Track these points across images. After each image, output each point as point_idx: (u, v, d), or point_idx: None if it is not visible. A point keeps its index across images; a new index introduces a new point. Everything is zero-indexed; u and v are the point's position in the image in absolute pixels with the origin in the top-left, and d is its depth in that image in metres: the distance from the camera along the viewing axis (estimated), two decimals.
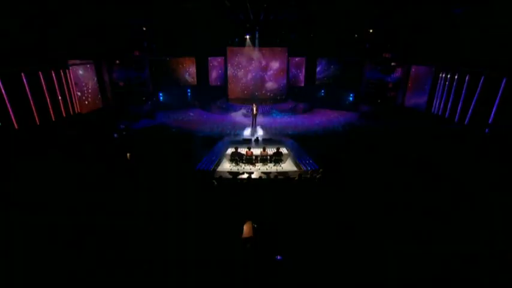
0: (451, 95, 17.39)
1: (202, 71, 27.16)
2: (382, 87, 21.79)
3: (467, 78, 16.27)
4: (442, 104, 18.20)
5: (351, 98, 25.14)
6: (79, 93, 18.62)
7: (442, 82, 18.18)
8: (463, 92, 16.49)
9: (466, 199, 7.17)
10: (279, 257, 4.95)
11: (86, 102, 19.25)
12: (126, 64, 21.09)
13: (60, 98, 16.56)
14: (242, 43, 26.18)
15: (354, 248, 5.32)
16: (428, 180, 9.04)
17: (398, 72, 21.28)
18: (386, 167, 11.28)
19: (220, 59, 27.45)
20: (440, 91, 18.35)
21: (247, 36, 25.70)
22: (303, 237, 5.76)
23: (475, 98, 15.71)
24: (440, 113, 18.35)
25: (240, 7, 19.55)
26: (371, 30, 21.07)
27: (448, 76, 17.63)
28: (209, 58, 27.34)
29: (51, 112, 16.01)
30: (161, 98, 25.23)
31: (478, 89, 15.49)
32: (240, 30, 24.98)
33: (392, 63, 20.92)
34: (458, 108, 16.82)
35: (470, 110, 16.04)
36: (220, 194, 8.92)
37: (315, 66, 26.85)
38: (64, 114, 16.91)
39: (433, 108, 19.07)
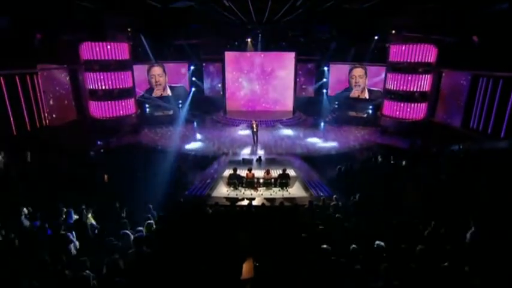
0: (494, 106, 17.14)
1: (197, 79, 27.43)
2: (407, 98, 21.76)
3: None
4: (483, 117, 17.97)
5: (370, 110, 25.07)
6: (51, 102, 18.65)
7: (482, 90, 18.04)
8: (510, 101, 16.26)
9: None
10: None
11: (54, 116, 19.02)
12: (107, 69, 21.22)
13: (24, 108, 16.55)
14: (243, 47, 26.45)
15: None
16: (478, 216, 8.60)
17: (426, 80, 21.26)
18: (422, 198, 10.95)
19: (217, 65, 27.67)
20: (480, 101, 18.15)
21: (249, 39, 25.97)
22: (314, 279, 5.52)
23: None
24: (481, 127, 18.09)
25: (241, 6, 19.81)
26: (393, 31, 21.22)
27: (490, 83, 17.49)
28: (204, 64, 27.60)
29: (13, 125, 15.91)
30: (147, 110, 25.29)
31: None
32: (240, 31, 25.25)
33: (419, 69, 20.93)
34: (505, 121, 16.51)
35: None
36: (215, 225, 8.72)
37: (327, 74, 27.05)
38: (29, 128, 16.82)
39: (471, 122, 18.86)
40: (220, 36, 25.33)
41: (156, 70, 25.62)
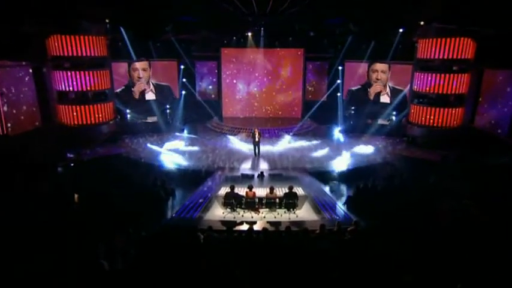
0: None
1: (188, 80, 27.44)
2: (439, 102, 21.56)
3: None
4: None
5: (393, 117, 24.95)
6: (6, 108, 18.48)
7: None
8: None
9: None
10: None
11: (10, 124, 18.81)
12: (80, 68, 21.13)
13: None
14: (242, 43, 26.62)
15: None
16: None
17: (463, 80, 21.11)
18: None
19: (211, 64, 27.73)
20: None
21: (249, 34, 26.07)
22: None
23: None
24: None
25: None
26: (422, 23, 21.15)
27: None
28: (196, 63, 27.63)
29: None
30: (127, 116, 25.21)
31: None
32: (239, 25, 25.29)
33: (454, 68, 20.79)
34: None
35: None
36: (207, 254, 8.59)
37: (342, 74, 27.00)
38: None
39: None
40: (215, 30, 25.39)
41: (140, 64, 25.87)
